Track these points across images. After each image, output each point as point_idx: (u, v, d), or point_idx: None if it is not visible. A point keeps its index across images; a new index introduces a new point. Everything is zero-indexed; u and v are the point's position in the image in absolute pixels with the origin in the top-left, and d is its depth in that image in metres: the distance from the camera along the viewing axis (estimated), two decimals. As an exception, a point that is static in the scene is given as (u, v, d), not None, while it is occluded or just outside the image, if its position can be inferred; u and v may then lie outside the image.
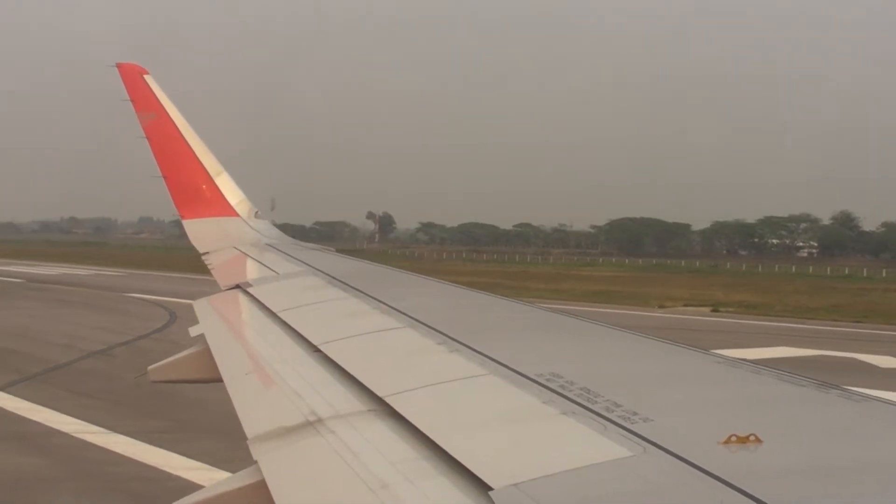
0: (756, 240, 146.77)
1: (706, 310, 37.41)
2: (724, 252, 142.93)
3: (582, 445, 1.87)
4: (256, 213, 9.21)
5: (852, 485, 1.67)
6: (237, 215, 8.99)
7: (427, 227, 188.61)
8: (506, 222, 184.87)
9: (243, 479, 2.30)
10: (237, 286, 5.48)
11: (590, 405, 2.11)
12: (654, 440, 1.82)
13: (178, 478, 10.43)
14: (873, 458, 1.85)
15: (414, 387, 2.50)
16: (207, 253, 7.96)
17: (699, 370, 2.76)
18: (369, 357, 3.06)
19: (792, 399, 2.35)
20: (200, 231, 8.70)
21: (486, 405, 2.30)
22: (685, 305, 39.55)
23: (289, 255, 7.06)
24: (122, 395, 14.93)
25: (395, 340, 3.26)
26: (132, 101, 8.71)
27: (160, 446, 11.66)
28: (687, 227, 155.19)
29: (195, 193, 8.91)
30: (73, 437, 12.49)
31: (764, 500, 1.51)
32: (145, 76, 8.85)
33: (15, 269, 54.27)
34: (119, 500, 10.17)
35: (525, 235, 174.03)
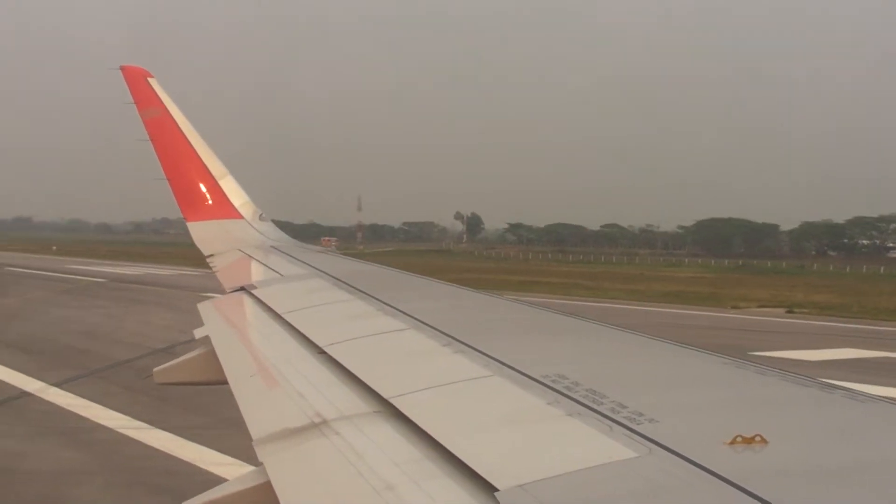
0: (846, 240, 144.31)
1: (780, 311, 37.02)
2: (813, 253, 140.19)
3: (587, 446, 1.87)
4: (261, 215, 9.22)
5: (858, 485, 1.66)
6: (241, 217, 9.00)
7: (515, 227, 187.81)
8: (593, 223, 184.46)
9: (249, 480, 2.31)
10: (242, 288, 5.49)
11: (595, 406, 2.11)
12: (660, 441, 1.82)
13: (206, 472, 10.57)
14: (879, 458, 1.85)
15: (419, 388, 2.50)
16: (212, 255, 7.98)
17: (705, 371, 2.76)
18: (374, 359, 3.07)
19: (797, 400, 2.35)
20: (205, 233, 8.71)
21: (491, 406, 2.30)
22: (760, 306, 39.07)
23: (293, 257, 7.07)
24: (170, 392, 15.08)
25: (399, 342, 3.26)
26: (136, 103, 8.72)
27: (197, 442, 11.87)
28: (775, 227, 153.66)
29: (199, 196, 8.92)
30: (115, 432, 12.79)
31: (770, 500, 1.50)
32: (149, 79, 8.87)
33: (101, 270, 54.82)
34: (141, 493, 10.32)
35: (612, 236, 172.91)
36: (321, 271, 5.81)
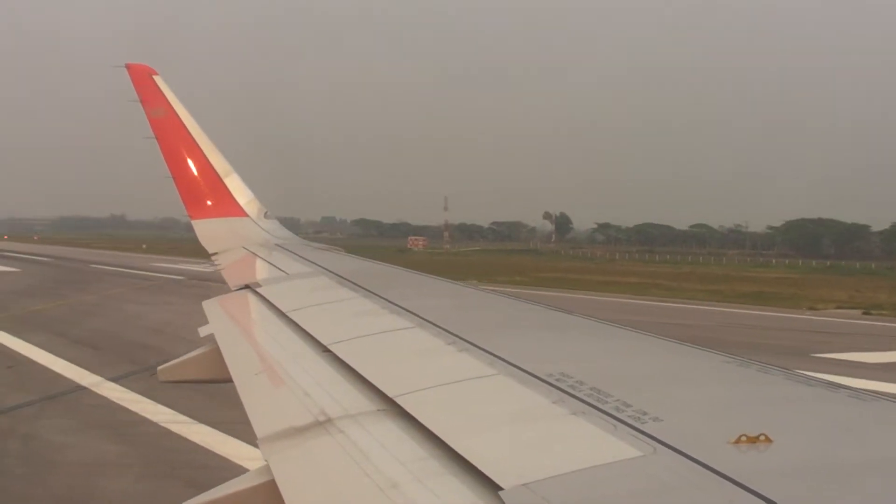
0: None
1: (857, 312, 35.99)
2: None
3: (592, 445, 1.87)
4: (266, 212, 9.24)
5: (863, 484, 1.66)
6: (246, 215, 9.01)
7: (603, 227, 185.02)
8: (682, 223, 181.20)
9: (254, 478, 2.31)
10: (247, 286, 5.49)
11: (599, 405, 2.11)
12: (664, 440, 1.82)
13: (239, 467, 10.57)
14: (883, 457, 1.85)
15: (423, 387, 2.50)
16: (217, 253, 7.99)
17: (709, 370, 2.76)
18: (379, 357, 3.07)
19: (802, 398, 2.35)
20: (210, 231, 8.73)
21: (495, 405, 2.30)
22: (837, 308, 38.00)
23: (298, 255, 7.08)
24: (219, 387, 15.05)
25: (404, 340, 3.27)
26: (141, 101, 8.74)
27: (237, 437, 11.89)
28: (866, 228, 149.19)
29: (204, 194, 8.94)
30: (159, 426, 12.95)
31: (774, 499, 1.50)
32: (154, 76, 8.88)
33: (183, 268, 54.37)
34: (172, 486, 10.41)
35: (700, 236, 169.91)
36: (326, 269, 5.82)
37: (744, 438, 1.80)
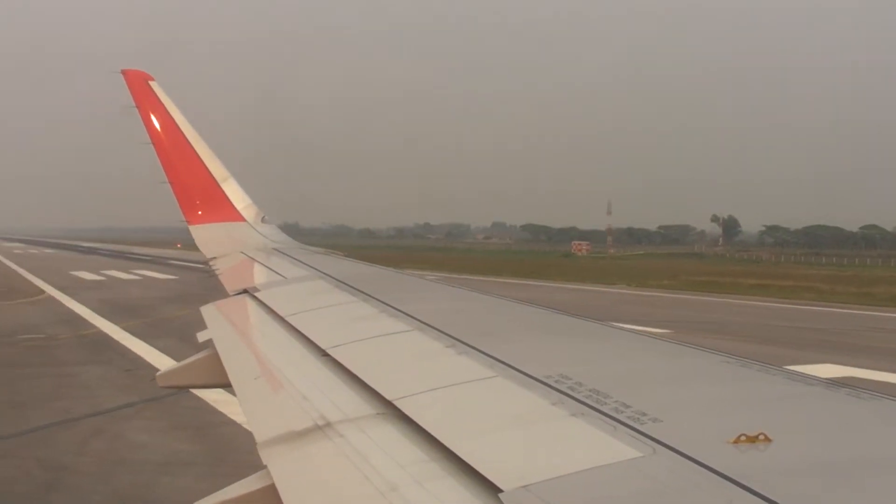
0: None
1: None
2: None
3: (591, 447, 1.87)
4: (263, 217, 9.24)
5: (863, 484, 1.66)
6: (244, 220, 9.01)
7: (772, 230, 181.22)
8: (853, 224, 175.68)
9: (253, 483, 2.31)
10: (245, 291, 5.49)
11: (599, 406, 2.11)
12: (664, 440, 1.82)
13: None
14: (883, 456, 1.85)
15: (422, 390, 2.50)
16: (214, 258, 7.98)
17: (708, 370, 2.76)
18: (378, 360, 3.07)
19: (801, 398, 2.35)
20: (207, 236, 8.72)
21: (494, 407, 2.30)
22: None
23: (296, 259, 7.08)
24: None
25: (403, 344, 3.26)
26: (137, 107, 8.74)
27: None
28: None
29: (201, 199, 8.93)
30: (241, 427, 12.93)
31: (774, 499, 1.50)
32: (150, 82, 8.88)
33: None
34: (224, 483, 10.48)
35: (871, 238, 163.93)
36: (324, 273, 5.81)
37: (743, 438, 1.80)
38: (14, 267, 58.07)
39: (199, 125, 9.01)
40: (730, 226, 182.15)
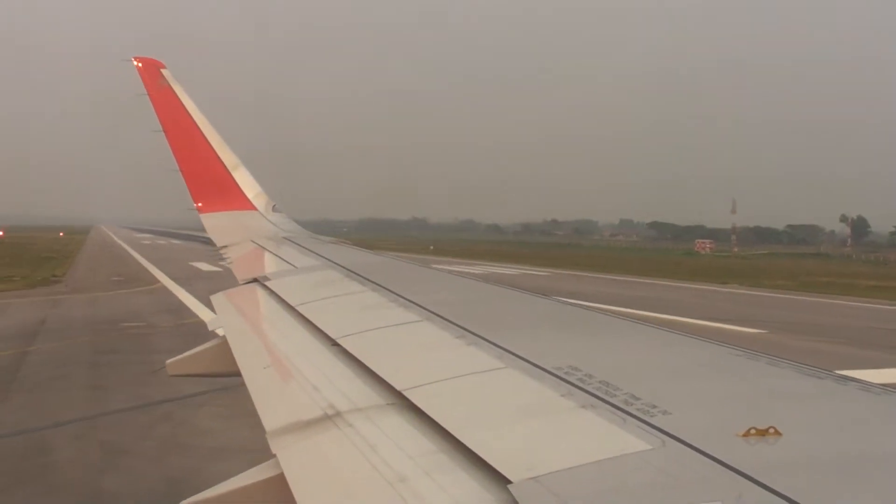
0: None
1: None
2: None
3: (601, 438, 1.87)
4: (274, 206, 9.25)
5: (872, 477, 1.66)
6: (254, 209, 9.03)
7: None
8: None
9: (262, 472, 2.32)
10: (255, 280, 5.50)
11: (608, 398, 2.11)
12: (673, 433, 1.82)
13: None
14: (893, 450, 1.84)
15: (432, 380, 2.50)
16: (225, 247, 8.00)
17: (718, 363, 2.75)
18: (387, 351, 3.07)
19: (811, 391, 2.34)
20: (218, 225, 8.75)
21: (504, 398, 2.30)
22: None
23: (306, 248, 7.09)
24: None
25: (413, 334, 3.26)
26: (149, 94, 8.75)
27: None
28: None
29: (212, 187, 8.95)
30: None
31: (784, 492, 1.50)
32: (162, 70, 8.89)
33: (452, 269, 52.52)
34: None
35: None
36: (334, 263, 5.82)
37: (753, 431, 1.80)
38: (138, 257, 59.16)
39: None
40: (859, 226, 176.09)
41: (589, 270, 56.15)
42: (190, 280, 38.28)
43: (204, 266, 48.57)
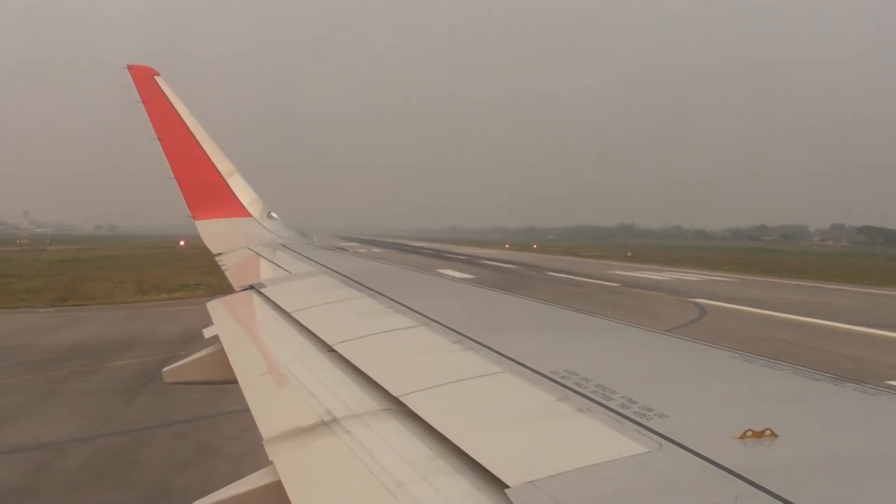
0: None
1: None
2: None
3: (597, 442, 1.87)
4: (269, 213, 9.26)
5: (870, 479, 1.66)
6: (250, 215, 9.03)
7: None
8: None
9: (259, 479, 2.31)
10: (251, 287, 5.50)
11: (605, 402, 2.11)
12: (670, 436, 1.82)
13: None
14: (889, 451, 1.84)
15: (429, 385, 2.50)
16: (221, 254, 8.00)
17: (714, 365, 2.76)
18: (384, 356, 3.07)
19: (807, 393, 2.34)
20: (213, 232, 8.74)
21: (501, 403, 2.30)
22: None
23: (302, 254, 7.09)
24: None
25: (409, 339, 3.27)
26: (143, 102, 8.76)
27: None
28: None
29: (208, 194, 8.95)
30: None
31: (781, 494, 1.50)
32: (156, 77, 8.90)
33: (637, 275, 51.83)
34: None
35: None
36: (330, 269, 5.82)
37: (749, 433, 1.80)
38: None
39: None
40: None
41: (781, 276, 54.37)
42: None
43: (453, 272, 47.40)
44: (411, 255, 76.57)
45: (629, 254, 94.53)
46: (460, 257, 75.30)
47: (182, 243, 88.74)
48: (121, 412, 13.91)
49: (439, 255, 78.74)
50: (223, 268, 7.40)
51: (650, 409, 2.02)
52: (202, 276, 42.18)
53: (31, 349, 20.51)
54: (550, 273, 52.57)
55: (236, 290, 5.72)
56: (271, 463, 2.27)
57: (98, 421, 13.29)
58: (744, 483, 1.57)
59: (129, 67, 8.89)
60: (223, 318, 4.82)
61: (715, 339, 3.47)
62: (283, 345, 3.71)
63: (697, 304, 32.65)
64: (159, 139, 8.73)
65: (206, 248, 8.50)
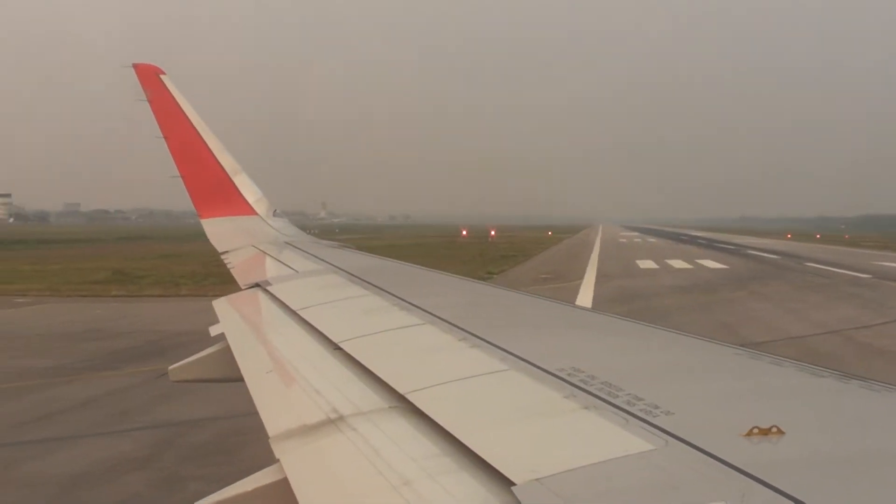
0: None
1: None
2: None
3: (604, 439, 1.87)
4: (275, 211, 9.27)
5: (876, 476, 1.66)
6: (255, 214, 9.05)
7: None
8: None
9: (266, 477, 2.32)
10: (257, 285, 5.51)
11: (611, 399, 2.11)
12: (676, 433, 1.82)
13: None
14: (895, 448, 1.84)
15: (435, 383, 2.50)
16: (227, 252, 8.01)
17: (720, 362, 2.75)
18: (390, 354, 3.07)
19: (813, 390, 2.34)
20: (219, 230, 8.76)
21: (507, 400, 2.30)
22: None
23: (308, 252, 7.10)
24: None
25: (415, 337, 3.27)
26: (149, 101, 8.77)
27: None
28: None
29: (213, 192, 8.97)
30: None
31: (787, 492, 1.50)
32: (161, 76, 8.91)
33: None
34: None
35: None
36: (336, 267, 5.83)
37: (755, 431, 1.80)
38: (590, 254, 56.83)
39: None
40: None
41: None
42: (611, 278, 35.66)
43: (649, 264, 46.45)
44: (685, 245, 76.95)
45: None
46: (728, 247, 74.67)
47: (464, 233, 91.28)
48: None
49: (710, 245, 78.83)
50: (229, 266, 7.41)
51: (656, 407, 2.01)
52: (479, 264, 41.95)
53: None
54: (814, 265, 47.88)
55: (242, 288, 5.73)
56: (278, 460, 2.27)
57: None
58: (750, 480, 1.56)
59: (135, 66, 8.90)
60: (229, 316, 4.83)
61: None
62: (288, 343, 3.71)
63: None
64: (165, 138, 8.75)
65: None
